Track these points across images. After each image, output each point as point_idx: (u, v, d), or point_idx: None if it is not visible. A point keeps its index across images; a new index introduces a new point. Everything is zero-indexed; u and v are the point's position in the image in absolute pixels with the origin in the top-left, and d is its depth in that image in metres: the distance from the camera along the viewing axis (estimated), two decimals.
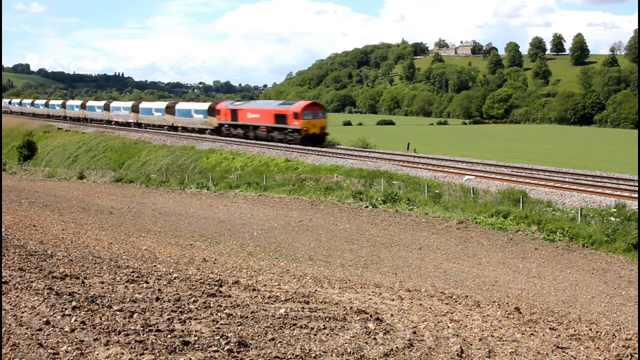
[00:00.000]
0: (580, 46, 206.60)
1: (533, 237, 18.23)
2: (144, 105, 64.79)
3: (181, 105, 57.32)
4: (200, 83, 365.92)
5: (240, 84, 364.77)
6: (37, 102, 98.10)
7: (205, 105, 52.42)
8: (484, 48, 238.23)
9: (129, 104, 66.91)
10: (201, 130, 50.95)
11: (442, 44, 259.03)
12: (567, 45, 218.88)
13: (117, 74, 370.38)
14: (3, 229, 13.52)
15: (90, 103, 78.06)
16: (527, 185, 24.06)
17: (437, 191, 23.66)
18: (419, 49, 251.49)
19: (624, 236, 17.07)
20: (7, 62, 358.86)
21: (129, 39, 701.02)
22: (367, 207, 22.83)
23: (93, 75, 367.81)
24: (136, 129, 60.85)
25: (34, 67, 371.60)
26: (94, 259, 11.04)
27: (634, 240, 16.72)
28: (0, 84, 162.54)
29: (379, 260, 15.44)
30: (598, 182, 24.99)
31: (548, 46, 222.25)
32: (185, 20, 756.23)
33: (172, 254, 13.49)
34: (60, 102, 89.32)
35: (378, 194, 23.87)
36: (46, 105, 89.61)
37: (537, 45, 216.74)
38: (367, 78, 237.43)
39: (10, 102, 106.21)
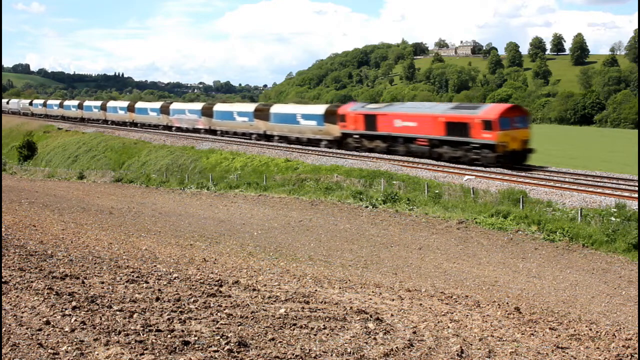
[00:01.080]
0: (580, 46, 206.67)
1: (533, 237, 18.23)
2: (220, 107, 52.58)
3: (279, 108, 45.33)
4: (201, 83, 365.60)
5: (240, 84, 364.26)
6: (67, 103, 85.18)
7: (320, 109, 40.79)
8: (484, 48, 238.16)
9: (198, 106, 55.22)
10: (312, 142, 39.87)
11: (442, 44, 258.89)
12: (567, 45, 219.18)
13: (117, 74, 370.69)
14: (3, 229, 13.52)
15: (140, 104, 66.08)
16: (527, 185, 24.05)
17: (437, 191, 23.66)
18: (419, 49, 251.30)
19: (624, 236, 17.07)
20: (7, 62, 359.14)
21: (129, 39, 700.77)
22: (367, 207, 22.82)
23: (93, 75, 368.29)
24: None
25: (34, 67, 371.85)
26: (94, 259, 11.04)
27: (634, 240, 16.72)
28: (0, 84, 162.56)
29: (379, 260, 15.44)
30: (598, 182, 24.99)
31: (548, 46, 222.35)
32: (185, 20, 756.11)
33: (172, 254, 13.49)
34: (98, 103, 75.68)
35: (378, 194, 23.87)
36: (79, 107, 77.09)
37: (537, 45, 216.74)
38: (367, 78, 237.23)
39: (31, 104, 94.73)
